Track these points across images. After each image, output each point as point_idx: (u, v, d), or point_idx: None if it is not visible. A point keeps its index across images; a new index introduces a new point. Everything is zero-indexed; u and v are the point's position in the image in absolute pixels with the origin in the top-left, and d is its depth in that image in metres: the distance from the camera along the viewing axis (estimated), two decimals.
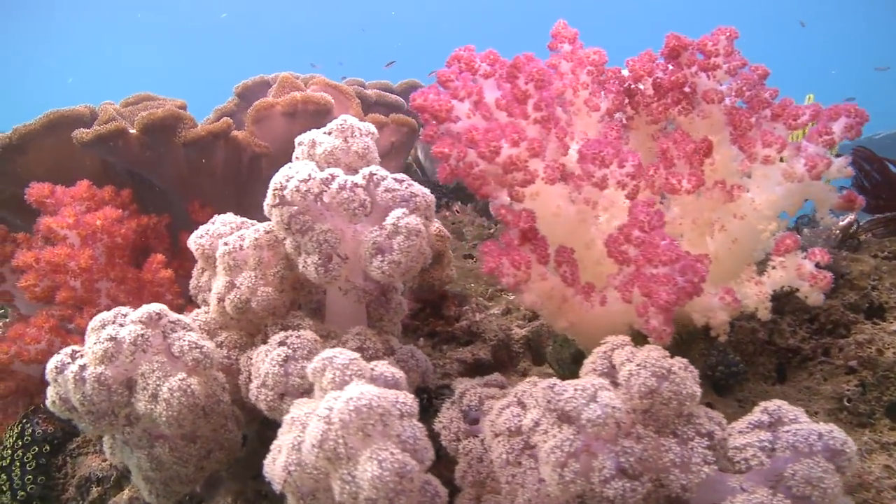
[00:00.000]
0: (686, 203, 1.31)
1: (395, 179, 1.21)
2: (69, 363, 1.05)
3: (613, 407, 0.92)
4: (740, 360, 1.36)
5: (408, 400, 0.90)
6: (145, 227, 1.48)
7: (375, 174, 1.20)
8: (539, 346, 1.53)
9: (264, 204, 1.17)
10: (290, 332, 1.16)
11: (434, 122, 1.23)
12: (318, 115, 1.67)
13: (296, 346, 1.13)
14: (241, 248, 1.23)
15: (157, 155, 1.53)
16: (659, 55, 1.36)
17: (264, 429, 1.35)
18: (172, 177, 1.59)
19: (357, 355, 0.94)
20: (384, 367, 0.98)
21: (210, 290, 1.37)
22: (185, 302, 1.49)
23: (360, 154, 1.30)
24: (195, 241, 1.30)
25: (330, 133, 1.35)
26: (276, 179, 1.13)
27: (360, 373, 0.93)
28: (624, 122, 1.43)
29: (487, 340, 1.52)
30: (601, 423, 0.92)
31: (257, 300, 1.19)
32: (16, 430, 1.41)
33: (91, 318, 1.31)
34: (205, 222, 1.64)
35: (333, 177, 1.14)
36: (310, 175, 1.10)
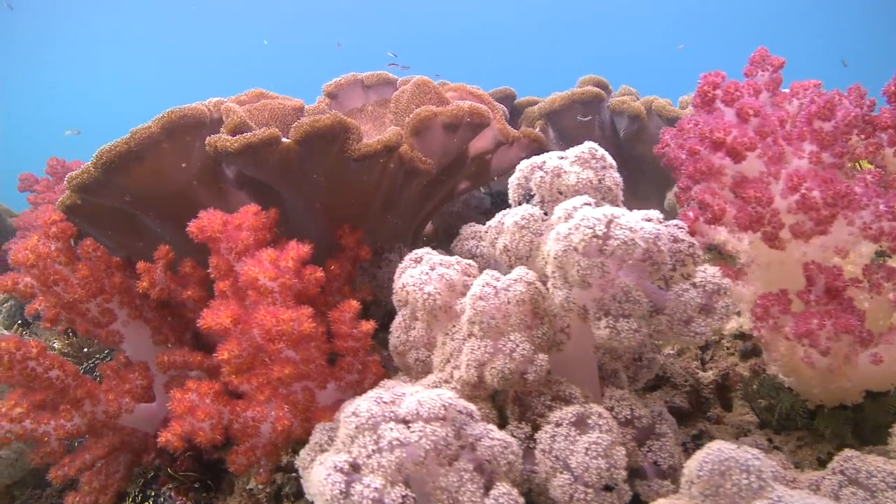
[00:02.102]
0: None
1: (677, 226, 1.05)
2: (348, 482, 0.79)
3: None
4: None
5: None
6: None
7: (663, 220, 1.03)
8: (731, 391, 1.44)
9: (557, 249, 0.92)
10: (584, 408, 0.97)
11: (712, 159, 1.09)
12: (475, 130, 1.44)
13: (605, 427, 0.94)
14: (495, 302, 1.00)
15: (312, 168, 1.22)
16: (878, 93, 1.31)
17: None
18: (323, 195, 1.28)
19: (759, 453, 0.79)
20: (769, 462, 0.83)
21: (423, 346, 1.12)
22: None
23: (612, 190, 1.12)
24: (419, 288, 1.04)
25: (565, 158, 1.15)
26: (589, 221, 0.89)
27: (770, 475, 0.78)
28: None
29: (679, 386, 1.41)
30: None
31: (535, 371, 0.97)
32: None
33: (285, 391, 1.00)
34: (353, 248, 1.35)
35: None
36: (639, 224, 0.91)
